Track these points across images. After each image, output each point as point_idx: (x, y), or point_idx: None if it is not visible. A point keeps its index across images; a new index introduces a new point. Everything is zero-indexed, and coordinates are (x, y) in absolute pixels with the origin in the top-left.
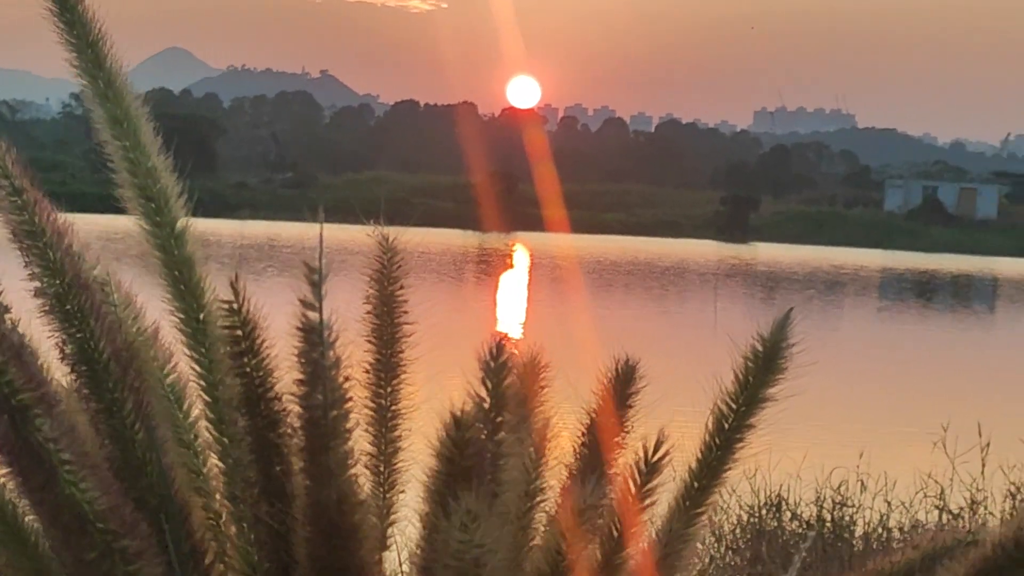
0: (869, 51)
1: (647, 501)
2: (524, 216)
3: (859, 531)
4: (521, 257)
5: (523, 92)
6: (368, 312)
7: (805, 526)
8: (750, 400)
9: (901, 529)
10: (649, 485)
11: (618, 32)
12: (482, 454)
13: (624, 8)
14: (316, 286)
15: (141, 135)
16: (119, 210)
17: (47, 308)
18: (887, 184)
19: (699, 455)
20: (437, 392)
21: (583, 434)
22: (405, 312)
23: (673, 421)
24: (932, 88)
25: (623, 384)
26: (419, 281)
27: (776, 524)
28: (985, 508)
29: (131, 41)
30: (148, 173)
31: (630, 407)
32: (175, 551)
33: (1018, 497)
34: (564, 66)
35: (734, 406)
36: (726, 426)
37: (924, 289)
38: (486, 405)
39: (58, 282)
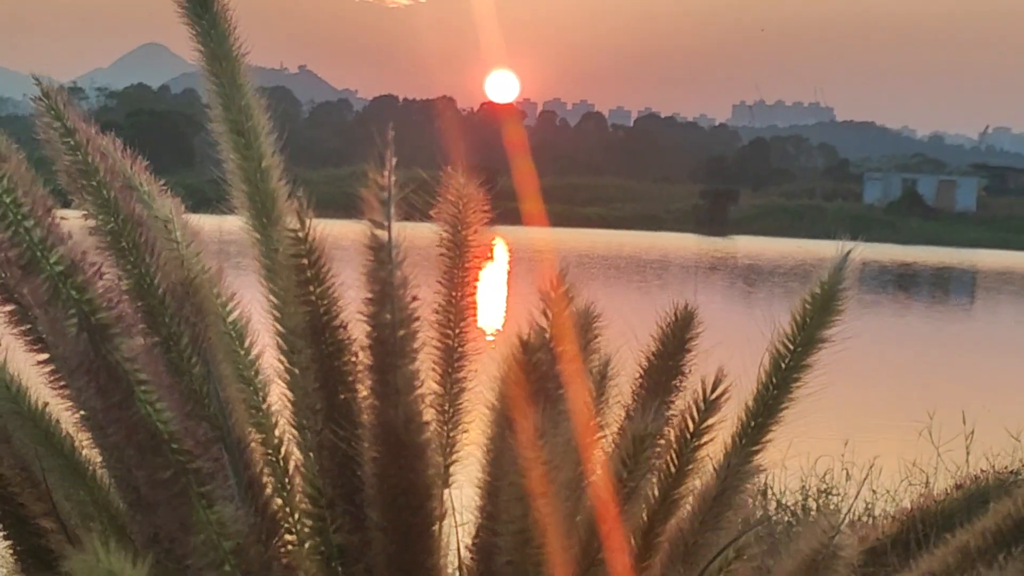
0: (847, 44)
1: (705, 438)
2: (504, 210)
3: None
4: (500, 251)
5: (502, 87)
6: (440, 255)
7: (790, 514)
8: (807, 340)
9: (886, 516)
10: (707, 423)
11: (597, 27)
12: (547, 379)
13: (603, 3)
14: (385, 204)
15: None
16: None
17: (103, 245)
18: (866, 177)
19: (756, 393)
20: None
21: (642, 375)
22: (477, 257)
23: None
24: (911, 81)
25: (682, 328)
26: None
27: (762, 511)
28: None
29: (108, 37)
30: (241, 111)
31: (688, 351)
32: (234, 481)
33: (1004, 484)
34: (543, 61)
35: (791, 346)
36: (783, 365)
37: (904, 281)
38: (547, 335)
39: (113, 219)
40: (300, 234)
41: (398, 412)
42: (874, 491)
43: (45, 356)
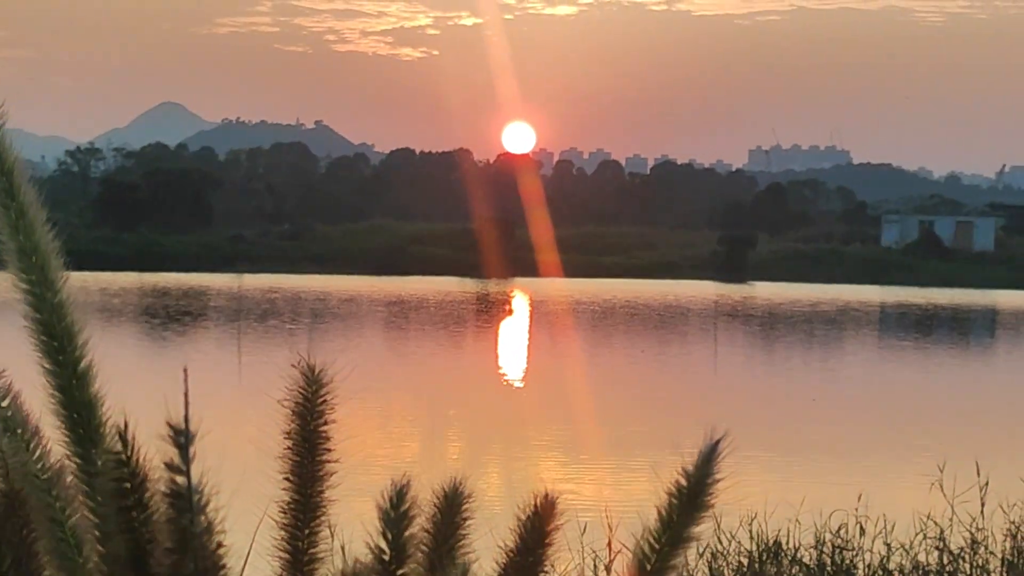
0: (863, 87)
1: None
2: (522, 262)
3: (860, 574)
4: (520, 304)
5: (518, 137)
6: (288, 448)
7: (805, 571)
8: (673, 540)
9: (902, 571)
10: None
11: (612, 75)
12: None
13: (617, 51)
14: (183, 448)
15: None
16: (117, 266)
17: None
18: (884, 219)
19: None
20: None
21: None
22: (329, 450)
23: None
24: (926, 122)
25: (543, 519)
26: (421, 331)
27: (776, 570)
28: (986, 548)
29: (125, 96)
30: (53, 309)
31: (549, 544)
32: None
33: (1018, 536)
34: (558, 110)
35: (656, 546)
36: (648, 567)
37: (923, 324)
38: (386, 556)
39: None
40: (123, 456)
41: None
42: (888, 545)
43: None
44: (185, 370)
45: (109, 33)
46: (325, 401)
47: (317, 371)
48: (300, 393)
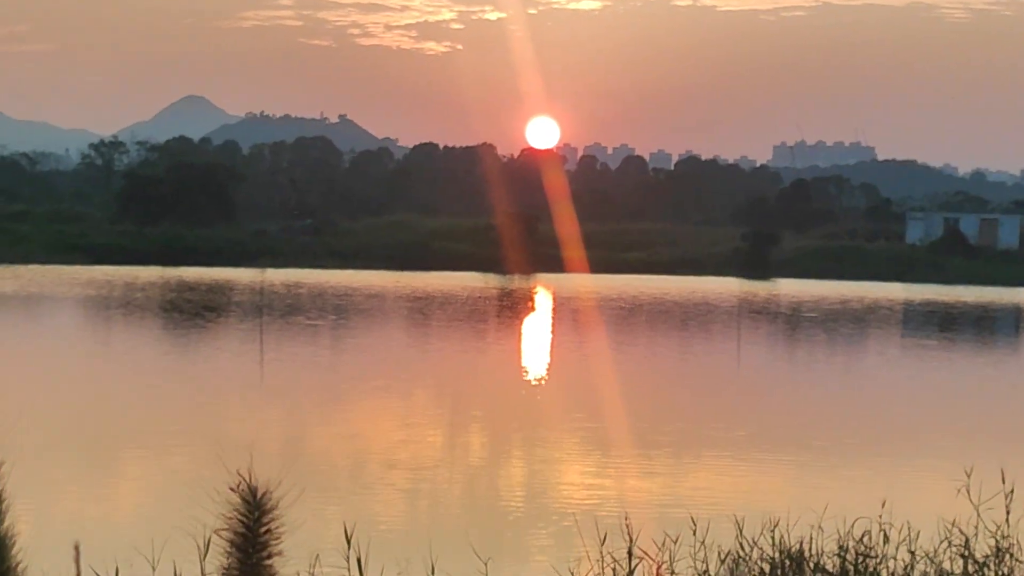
0: (888, 83)
1: None
2: (545, 257)
3: None
4: (543, 299)
5: (542, 132)
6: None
7: None
8: None
9: None
10: None
11: (637, 69)
12: None
13: (642, 45)
14: None
15: None
16: (140, 261)
17: None
18: (908, 216)
19: None
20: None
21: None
22: None
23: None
24: (952, 118)
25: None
26: (447, 327)
27: None
28: (1012, 556)
29: (148, 90)
30: None
31: (269, 532)
32: None
33: None
34: (583, 105)
35: None
36: None
37: (947, 322)
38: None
39: None
40: None
41: None
42: (912, 552)
43: None
44: (77, 548)
45: (133, 27)
46: (270, 531)
47: (260, 495)
48: (239, 521)
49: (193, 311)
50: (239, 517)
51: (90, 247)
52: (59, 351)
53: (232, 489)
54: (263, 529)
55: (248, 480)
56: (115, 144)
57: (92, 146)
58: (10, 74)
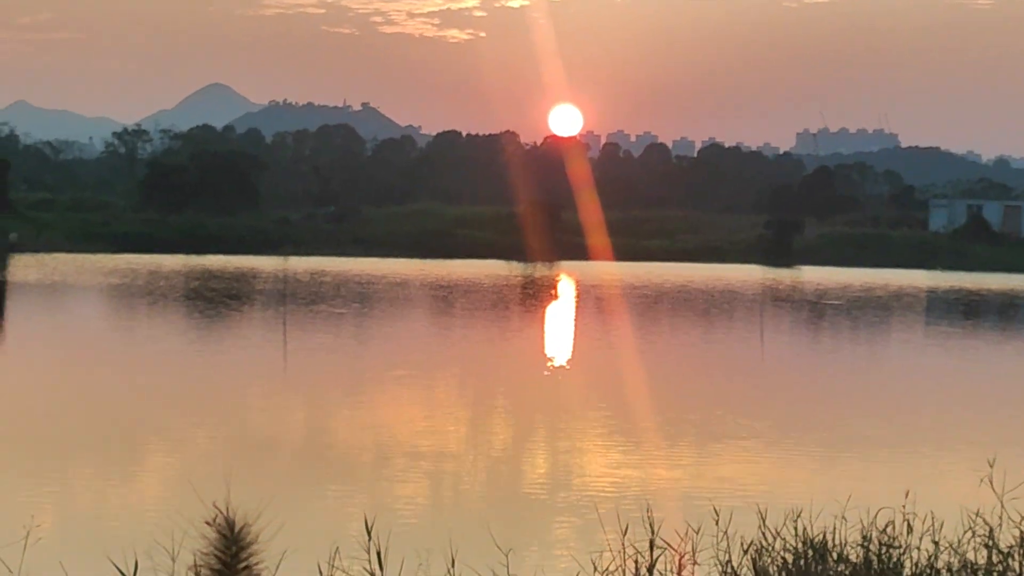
0: (911, 69)
1: None
2: (568, 245)
3: (907, 572)
4: (567, 287)
5: (565, 120)
6: None
7: (852, 569)
8: None
9: (950, 570)
10: None
11: (660, 57)
12: None
13: (665, 34)
14: None
15: None
16: (163, 248)
17: None
18: (931, 203)
19: None
20: None
21: None
22: None
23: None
24: (975, 105)
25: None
26: (470, 314)
27: (821, 568)
28: None
29: (172, 78)
30: None
31: (248, 569)
32: None
33: None
34: (606, 92)
35: None
36: None
37: (971, 310)
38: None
39: None
40: None
41: None
42: (936, 543)
43: None
44: None
45: (156, 15)
46: (248, 568)
47: (238, 529)
48: (216, 558)
49: (218, 299)
50: (216, 554)
51: (113, 235)
52: (88, 341)
53: (208, 523)
54: (241, 566)
55: (226, 513)
56: (138, 132)
57: (115, 134)
58: (34, 63)
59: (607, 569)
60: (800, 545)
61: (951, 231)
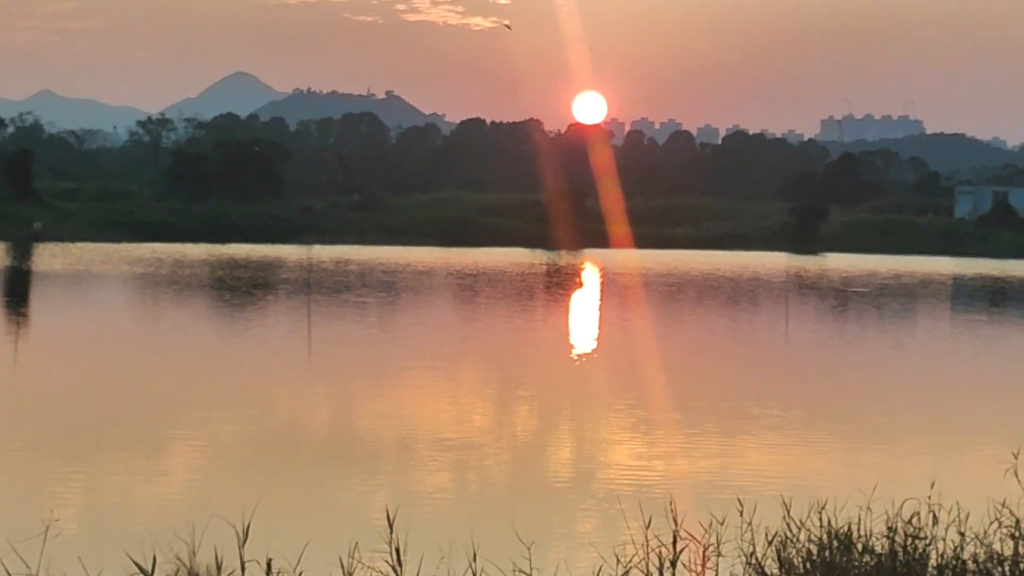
0: (936, 55)
1: None
2: (592, 233)
3: (932, 563)
4: (592, 275)
5: (589, 107)
6: None
7: (877, 560)
8: None
9: (976, 561)
10: None
11: (684, 45)
12: None
13: (689, 21)
14: None
15: None
16: (187, 237)
17: None
18: (957, 190)
19: None
20: None
21: None
22: None
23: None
24: (1000, 91)
25: None
26: (495, 303)
27: (846, 559)
28: None
29: (197, 66)
30: None
31: None
32: None
33: None
34: (630, 80)
35: None
36: None
37: (997, 297)
38: None
39: None
40: None
41: None
42: (962, 534)
43: None
44: None
45: (180, 4)
46: None
47: None
48: None
49: (243, 288)
50: None
51: (137, 224)
52: (113, 331)
53: None
54: None
55: (188, 566)
56: (162, 121)
57: (139, 123)
58: (58, 52)
59: (630, 562)
60: (825, 536)
61: (976, 218)
